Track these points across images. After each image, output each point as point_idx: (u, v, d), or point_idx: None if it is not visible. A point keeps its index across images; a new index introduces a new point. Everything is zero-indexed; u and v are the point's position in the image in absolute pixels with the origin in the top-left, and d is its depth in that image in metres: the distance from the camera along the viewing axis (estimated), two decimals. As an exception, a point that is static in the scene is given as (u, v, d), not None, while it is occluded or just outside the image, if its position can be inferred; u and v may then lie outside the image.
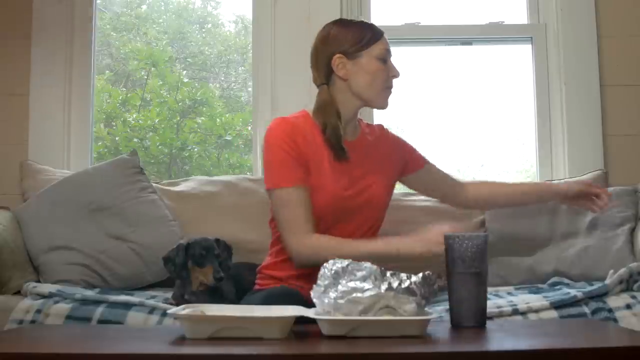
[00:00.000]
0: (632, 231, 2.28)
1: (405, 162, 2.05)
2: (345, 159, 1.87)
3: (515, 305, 1.81)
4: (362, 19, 1.93)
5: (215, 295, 1.96)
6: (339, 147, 1.87)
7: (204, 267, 1.95)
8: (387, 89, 1.93)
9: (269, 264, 1.95)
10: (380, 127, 2.07)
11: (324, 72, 1.92)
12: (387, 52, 1.91)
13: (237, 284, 2.05)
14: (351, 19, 1.99)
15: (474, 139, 3.20)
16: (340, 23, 1.96)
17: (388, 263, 1.49)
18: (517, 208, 2.31)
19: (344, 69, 1.89)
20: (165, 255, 2.02)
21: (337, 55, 1.89)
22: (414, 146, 2.10)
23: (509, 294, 1.98)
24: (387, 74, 1.90)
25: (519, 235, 2.23)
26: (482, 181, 2.16)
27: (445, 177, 2.11)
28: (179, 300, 1.96)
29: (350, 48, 1.88)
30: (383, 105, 1.95)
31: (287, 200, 1.82)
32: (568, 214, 2.32)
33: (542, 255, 2.28)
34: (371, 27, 1.93)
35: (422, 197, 2.41)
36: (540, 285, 2.04)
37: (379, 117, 3.00)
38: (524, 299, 1.85)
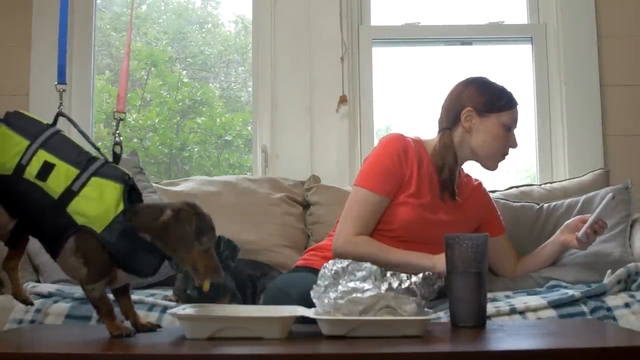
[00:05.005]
0: (625, 232, 2.27)
1: (485, 222, 2.13)
2: (455, 200, 2.01)
3: (513, 305, 1.80)
4: (504, 86, 2.06)
5: (217, 289, 1.98)
6: (452, 189, 2.01)
7: None
8: (501, 155, 2.06)
9: (324, 244, 2.04)
10: (479, 182, 2.17)
11: (451, 118, 2.04)
12: (514, 122, 2.04)
13: (237, 279, 2.09)
14: (494, 82, 2.08)
15: (474, 139, 3.19)
16: (482, 81, 2.06)
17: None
18: (513, 211, 2.36)
19: (470, 122, 2.02)
20: None
21: (469, 108, 2.01)
22: (499, 212, 2.18)
23: (507, 297, 1.98)
24: (506, 142, 2.03)
25: (515, 241, 2.22)
26: (522, 257, 2.20)
27: (512, 254, 2.17)
28: (181, 295, 1.98)
29: (483, 107, 2.01)
30: (491, 168, 2.08)
31: (363, 200, 1.95)
32: (563, 218, 2.31)
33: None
34: (508, 95, 2.04)
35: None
36: (538, 289, 2.04)
37: (378, 119, 3.00)
38: (522, 300, 1.85)
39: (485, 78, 2.08)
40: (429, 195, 1.99)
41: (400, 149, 1.98)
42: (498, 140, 2.02)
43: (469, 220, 2.08)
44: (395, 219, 1.95)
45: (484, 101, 2.01)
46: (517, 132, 2.06)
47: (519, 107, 2.05)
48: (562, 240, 2.08)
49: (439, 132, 2.07)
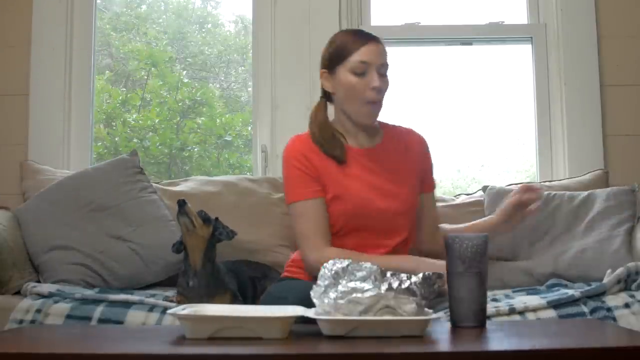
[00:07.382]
0: (630, 231, 2.27)
1: (423, 177, 2.02)
2: (343, 163, 1.89)
3: (512, 305, 1.80)
4: (359, 28, 1.93)
5: (218, 285, 2.02)
6: (332, 155, 1.89)
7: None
8: (368, 103, 1.87)
9: (297, 259, 1.96)
10: (410, 131, 2.03)
11: (321, 88, 1.96)
12: (365, 64, 1.84)
13: (238, 280, 2.12)
14: (343, 31, 1.95)
15: (474, 139, 3.20)
16: (331, 38, 1.94)
17: None
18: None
19: (327, 83, 1.92)
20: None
21: (321, 70, 1.93)
22: (433, 166, 2.06)
23: (507, 296, 1.98)
24: (363, 86, 1.84)
25: (516, 238, 2.22)
26: (440, 227, 2.08)
27: (433, 215, 2.06)
28: (184, 289, 1.99)
29: (330, 63, 1.90)
30: (365, 121, 1.91)
31: (302, 213, 1.88)
32: (565, 216, 2.32)
33: (540, 258, 2.26)
34: (351, 39, 1.88)
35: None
36: (538, 287, 2.04)
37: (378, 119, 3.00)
38: (522, 300, 1.85)
39: (337, 32, 1.96)
40: (347, 176, 1.89)
41: (295, 152, 1.90)
42: (353, 89, 1.85)
43: (411, 178, 1.96)
44: (332, 215, 1.88)
45: (328, 57, 1.90)
46: (389, 72, 1.89)
47: (374, 43, 1.86)
48: (510, 204, 1.96)
49: None
